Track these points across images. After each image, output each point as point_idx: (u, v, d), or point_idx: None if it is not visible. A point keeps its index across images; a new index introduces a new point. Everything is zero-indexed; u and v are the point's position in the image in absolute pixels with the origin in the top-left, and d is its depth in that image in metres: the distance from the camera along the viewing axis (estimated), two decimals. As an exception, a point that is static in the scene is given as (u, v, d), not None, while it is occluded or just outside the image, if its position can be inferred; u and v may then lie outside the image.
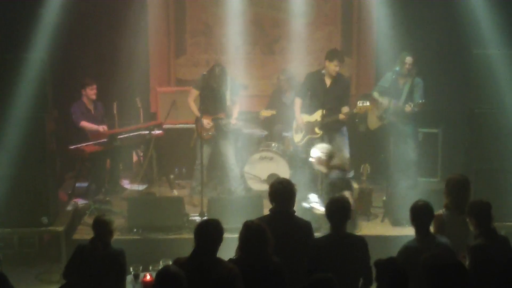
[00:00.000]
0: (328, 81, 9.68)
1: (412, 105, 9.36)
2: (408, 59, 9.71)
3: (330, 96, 9.59)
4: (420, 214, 6.29)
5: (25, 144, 8.60)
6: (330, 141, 9.82)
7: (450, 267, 5.20)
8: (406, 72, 9.65)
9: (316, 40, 11.56)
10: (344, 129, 9.95)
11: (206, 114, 9.81)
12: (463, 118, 9.58)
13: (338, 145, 9.87)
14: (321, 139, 9.55)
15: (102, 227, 6.59)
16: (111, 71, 11.42)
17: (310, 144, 9.73)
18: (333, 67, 9.64)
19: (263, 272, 5.76)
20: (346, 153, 9.91)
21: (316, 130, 9.67)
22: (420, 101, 9.44)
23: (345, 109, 9.62)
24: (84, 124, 10.09)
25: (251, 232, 5.83)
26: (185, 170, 11.07)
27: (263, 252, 5.78)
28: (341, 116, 9.59)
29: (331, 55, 9.72)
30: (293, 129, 10.21)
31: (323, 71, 9.65)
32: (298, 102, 10.06)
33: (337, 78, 9.77)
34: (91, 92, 10.26)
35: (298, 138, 10.10)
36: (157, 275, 5.37)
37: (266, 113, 10.28)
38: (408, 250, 6.12)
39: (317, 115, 9.66)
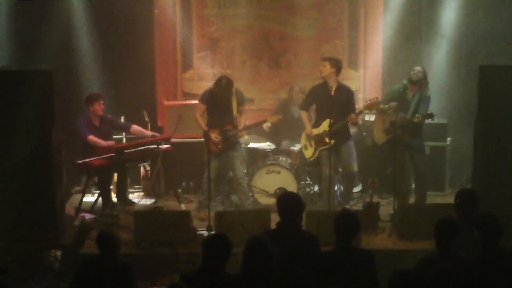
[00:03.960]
0: (332, 90, 9.67)
1: (420, 117, 9.34)
2: (418, 67, 9.72)
3: (335, 104, 9.57)
4: (444, 229, 6.27)
5: (31, 157, 8.61)
6: (337, 153, 9.82)
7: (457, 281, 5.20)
8: (415, 79, 9.61)
9: (322, 53, 11.54)
10: (351, 142, 9.94)
11: (213, 127, 9.83)
12: (470, 131, 9.55)
13: (344, 157, 9.86)
14: (329, 150, 9.53)
15: (106, 241, 6.59)
16: (118, 85, 11.44)
17: (322, 156, 9.70)
18: (321, 67, 9.77)
19: (266, 286, 5.74)
20: (354, 167, 9.89)
21: (326, 139, 9.63)
22: (428, 112, 9.41)
23: (352, 115, 9.63)
24: (92, 138, 10.06)
25: (253, 247, 5.81)
26: (192, 184, 11.05)
27: (265, 266, 5.76)
28: (352, 117, 9.56)
29: (325, 57, 9.95)
30: (302, 146, 10.19)
31: (330, 85, 9.64)
32: (304, 114, 10.07)
33: (339, 87, 9.77)
34: (98, 108, 10.18)
35: (309, 153, 10.06)
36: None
37: (272, 119, 10.26)
38: (426, 262, 6.09)
39: (325, 125, 9.64)
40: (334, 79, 9.74)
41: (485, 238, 6.31)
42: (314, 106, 10.15)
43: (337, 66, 9.79)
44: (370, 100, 9.68)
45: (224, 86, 9.71)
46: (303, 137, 10.16)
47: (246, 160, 10.56)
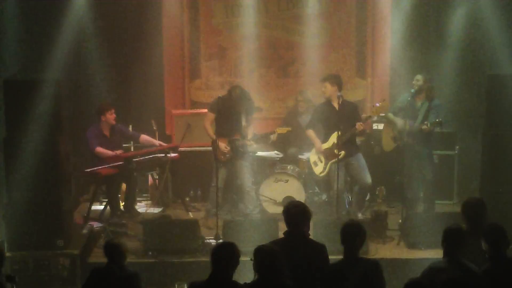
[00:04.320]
0: (336, 105, 9.67)
1: (428, 124, 9.33)
2: (417, 76, 9.72)
3: (341, 117, 9.57)
4: (452, 238, 6.24)
5: (40, 166, 8.63)
6: (346, 167, 9.80)
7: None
8: (416, 88, 9.63)
9: (330, 62, 11.57)
10: (360, 155, 9.91)
11: (222, 136, 9.84)
12: (478, 140, 9.54)
13: (356, 170, 9.84)
14: (337, 161, 9.51)
15: (114, 250, 6.61)
16: (126, 94, 11.47)
17: (334, 169, 9.66)
18: (323, 89, 9.78)
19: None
20: (368, 178, 9.86)
21: (336, 151, 9.59)
22: (437, 120, 9.38)
23: (360, 123, 9.63)
24: (99, 150, 10.08)
25: (261, 257, 5.80)
26: (200, 192, 11.06)
27: (276, 276, 5.75)
28: (359, 125, 9.56)
29: (323, 78, 9.93)
30: (311, 163, 10.17)
31: (332, 102, 9.65)
32: (311, 133, 10.06)
33: (343, 102, 9.75)
34: (110, 116, 10.20)
35: (319, 169, 10.03)
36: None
37: (281, 130, 10.27)
38: (434, 271, 6.06)
39: (334, 138, 9.62)
40: (338, 95, 9.73)
41: (493, 250, 6.28)
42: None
43: (337, 82, 9.80)
44: (377, 103, 9.67)
45: (238, 96, 9.74)
46: (312, 154, 10.14)
47: (253, 169, 10.57)
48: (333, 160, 9.71)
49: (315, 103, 10.59)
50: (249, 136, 9.99)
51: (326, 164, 9.92)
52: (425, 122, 9.41)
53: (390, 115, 9.90)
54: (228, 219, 9.67)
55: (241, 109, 9.88)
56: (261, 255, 5.80)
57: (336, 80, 9.80)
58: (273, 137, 10.68)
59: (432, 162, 9.96)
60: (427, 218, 9.10)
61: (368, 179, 9.87)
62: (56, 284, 8.77)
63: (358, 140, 10.22)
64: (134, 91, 11.55)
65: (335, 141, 9.58)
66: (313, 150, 10.11)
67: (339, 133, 9.44)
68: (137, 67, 11.49)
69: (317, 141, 10.00)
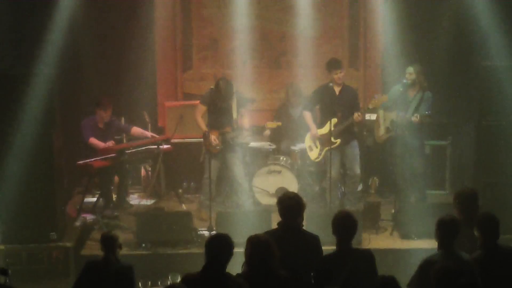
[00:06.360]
0: (336, 90, 9.69)
1: (418, 117, 9.35)
2: (409, 69, 9.72)
3: (340, 103, 9.60)
4: (447, 229, 6.24)
5: (33, 160, 8.63)
6: (341, 154, 9.82)
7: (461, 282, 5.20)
8: (410, 82, 9.64)
9: (323, 53, 11.55)
10: (355, 143, 9.94)
11: (213, 129, 9.83)
12: (471, 130, 9.56)
13: (348, 159, 9.86)
14: (331, 150, 9.52)
15: (110, 243, 6.62)
16: (118, 86, 11.44)
17: (328, 156, 9.68)
18: (336, 76, 9.74)
19: (270, 286, 5.74)
20: (357, 169, 9.89)
21: (332, 139, 9.60)
22: (426, 112, 9.40)
23: (358, 113, 9.63)
24: (93, 141, 10.08)
25: (256, 246, 5.81)
26: (193, 184, 11.07)
27: (269, 266, 5.76)
28: (356, 117, 9.57)
29: (330, 66, 9.88)
30: (306, 147, 10.18)
31: (331, 84, 9.64)
32: (307, 115, 10.08)
33: (344, 88, 9.79)
34: (105, 114, 10.22)
35: (314, 154, 10.06)
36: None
37: (271, 124, 10.27)
38: (430, 264, 6.06)
39: (329, 126, 9.62)
40: (330, 85, 9.75)
41: (484, 238, 6.30)
42: (317, 107, 10.16)
43: (341, 65, 9.84)
44: (374, 98, 9.69)
45: (223, 88, 9.69)
46: (307, 138, 10.15)
47: (246, 160, 10.57)
48: (329, 147, 9.71)
49: (306, 94, 10.59)
50: (246, 126, 9.98)
51: (321, 150, 9.94)
52: (415, 114, 9.42)
53: (381, 112, 9.91)
54: (221, 210, 9.68)
55: (230, 101, 9.86)
56: (253, 244, 5.81)
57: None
58: (265, 132, 10.71)
59: (422, 153, 9.98)
60: (419, 209, 9.13)
61: (357, 169, 9.92)
62: (49, 277, 8.77)
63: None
64: (126, 83, 11.51)
65: (332, 128, 9.57)
66: (309, 135, 10.10)
67: (336, 120, 9.44)
68: (129, 59, 11.45)
69: (313, 125, 10.01)
